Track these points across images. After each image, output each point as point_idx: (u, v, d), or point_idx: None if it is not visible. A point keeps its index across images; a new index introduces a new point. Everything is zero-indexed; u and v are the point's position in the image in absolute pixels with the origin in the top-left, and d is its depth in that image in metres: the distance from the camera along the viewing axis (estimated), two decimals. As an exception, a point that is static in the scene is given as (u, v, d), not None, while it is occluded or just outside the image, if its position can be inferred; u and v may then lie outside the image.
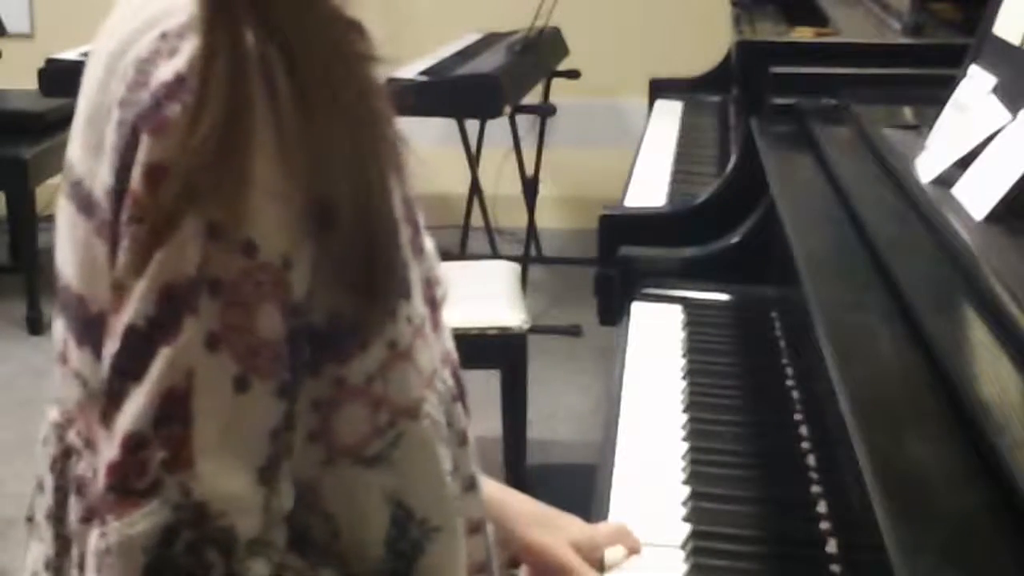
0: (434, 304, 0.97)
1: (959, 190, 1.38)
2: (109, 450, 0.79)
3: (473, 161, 4.32)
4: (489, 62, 3.99)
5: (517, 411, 2.81)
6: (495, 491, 1.18)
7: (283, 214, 0.79)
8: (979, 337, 1.16)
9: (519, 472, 2.80)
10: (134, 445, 0.78)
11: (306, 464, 0.86)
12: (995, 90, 1.46)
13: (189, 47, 0.80)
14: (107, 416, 0.80)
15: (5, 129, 4.02)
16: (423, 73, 3.90)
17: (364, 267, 0.84)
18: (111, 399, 0.80)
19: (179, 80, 0.80)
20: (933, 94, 1.62)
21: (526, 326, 2.73)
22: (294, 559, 0.85)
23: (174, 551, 0.77)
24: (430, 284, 0.96)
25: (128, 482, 0.78)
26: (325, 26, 0.84)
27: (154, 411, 0.78)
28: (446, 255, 3.93)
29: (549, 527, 1.20)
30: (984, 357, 1.13)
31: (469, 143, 4.30)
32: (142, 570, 0.77)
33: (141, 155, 0.80)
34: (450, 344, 1.00)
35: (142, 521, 0.77)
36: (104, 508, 0.79)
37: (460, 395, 0.99)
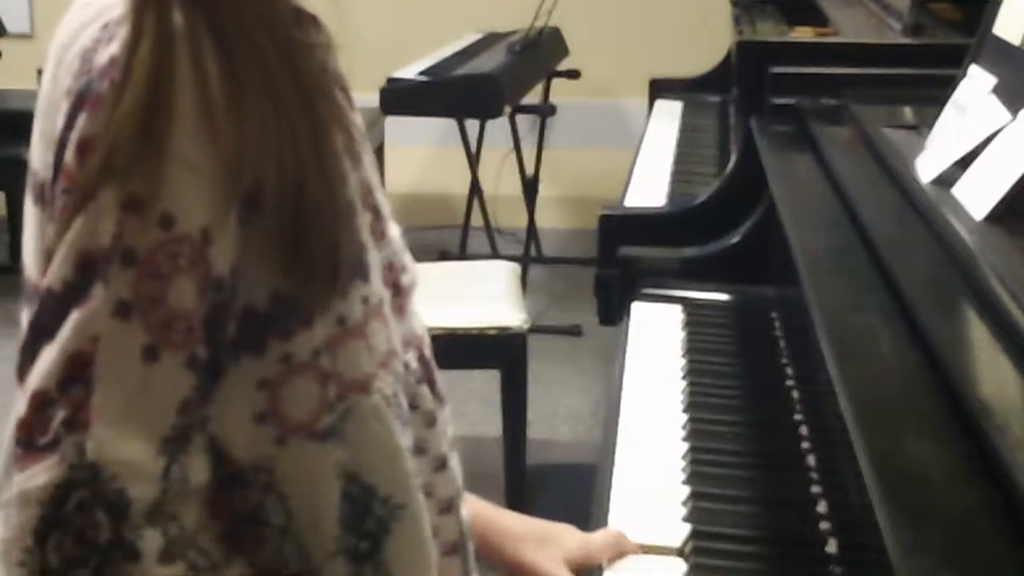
0: (398, 288, 0.98)
1: (959, 190, 1.38)
2: (21, 406, 0.82)
3: (473, 161, 4.32)
4: (489, 62, 3.99)
5: (517, 411, 2.80)
6: (486, 509, 1.19)
7: (204, 189, 0.81)
8: (979, 337, 1.16)
9: (519, 472, 2.79)
10: (40, 403, 0.81)
11: (259, 445, 0.88)
12: (995, 90, 1.46)
13: (124, 32, 0.83)
14: (22, 372, 0.83)
15: (5, 129, 4.02)
16: (423, 73, 3.91)
17: (299, 248, 0.85)
18: (26, 356, 0.83)
19: (112, 62, 0.83)
20: (933, 94, 1.62)
21: (526, 326, 2.73)
22: (205, 540, 0.86)
23: (67, 508, 0.80)
24: (393, 269, 0.98)
25: (32, 438, 0.81)
26: (262, 12, 0.86)
27: (60, 372, 0.81)
28: (446, 255, 3.94)
29: (542, 543, 1.20)
30: (984, 357, 1.13)
31: (469, 143, 4.30)
32: (36, 522, 0.80)
33: (74, 132, 0.83)
34: (420, 329, 1.02)
35: (40, 475, 0.80)
36: (12, 462, 0.82)
37: (427, 378, 1.00)
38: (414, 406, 0.97)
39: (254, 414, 0.87)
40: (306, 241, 0.86)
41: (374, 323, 0.92)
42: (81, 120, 0.83)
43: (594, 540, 1.24)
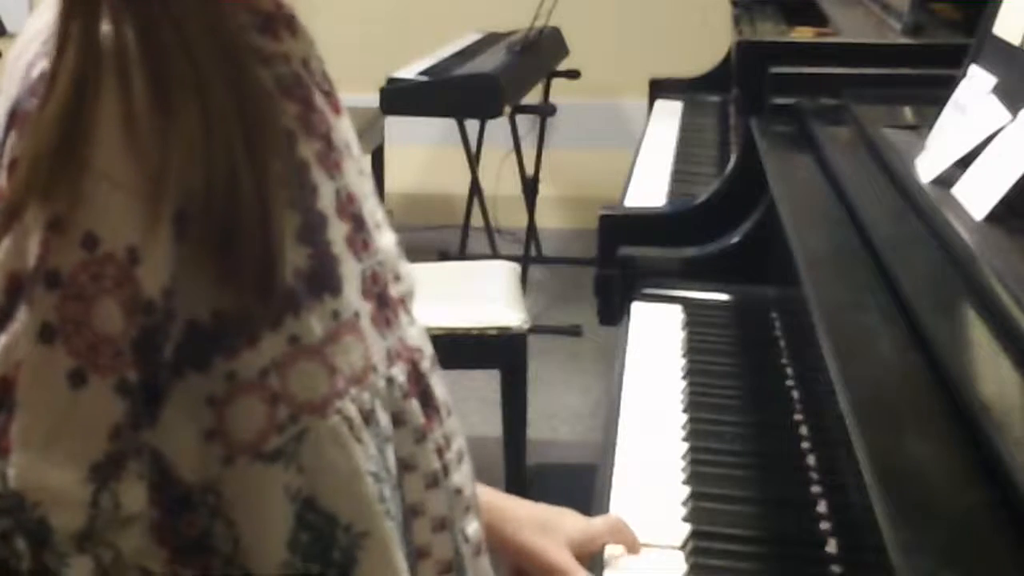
0: (384, 300, 0.95)
1: (959, 190, 1.38)
2: None
3: (473, 161, 4.32)
4: (489, 62, 3.99)
5: (517, 411, 2.81)
6: (489, 496, 1.17)
7: (130, 206, 0.79)
8: (979, 337, 1.16)
9: (519, 472, 2.79)
10: None
11: (206, 464, 0.86)
12: (995, 90, 1.46)
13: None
14: None
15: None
16: (423, 73, 3.91)
17: (229, 262, 0.83)
18: None
19: (41, 77, 0.81)
20: (933, 94, 1.62)
21: (526, 326, 2.73)
22: (154, 563, 0.84)
23: None
24: (377, 280, 0.95)
25: None
26: (205, 20, 0.83)
27: None
28: (446, 255, 3.94)
29: (544, 528, 1.19)
30: (984, 357, 1.13)
31: (469, 143, 4.30)
32: None
33: (6, 151, 0.82)
34: (415, 341, 0.99)
35: None
36: None
37: (419, 392, 0.97)
38: (400, 422, 0.94)
39: (202, 431, 0.85)
40: (237, 255, 0.83)
41: (347, 338, 0.89)
42: (11, 139, 0.82)
43: (595, 524, 1.23)
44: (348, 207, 0.92)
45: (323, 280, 0.89)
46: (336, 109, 0.94)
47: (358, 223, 0.93)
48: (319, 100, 0.92)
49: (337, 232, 0.90)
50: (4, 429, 0.79)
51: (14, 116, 0.82)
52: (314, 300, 0.88)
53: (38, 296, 0.79)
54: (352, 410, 0.90)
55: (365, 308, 0.92)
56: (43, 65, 0.82)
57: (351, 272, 0.91)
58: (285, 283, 0.86)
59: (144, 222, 0.80)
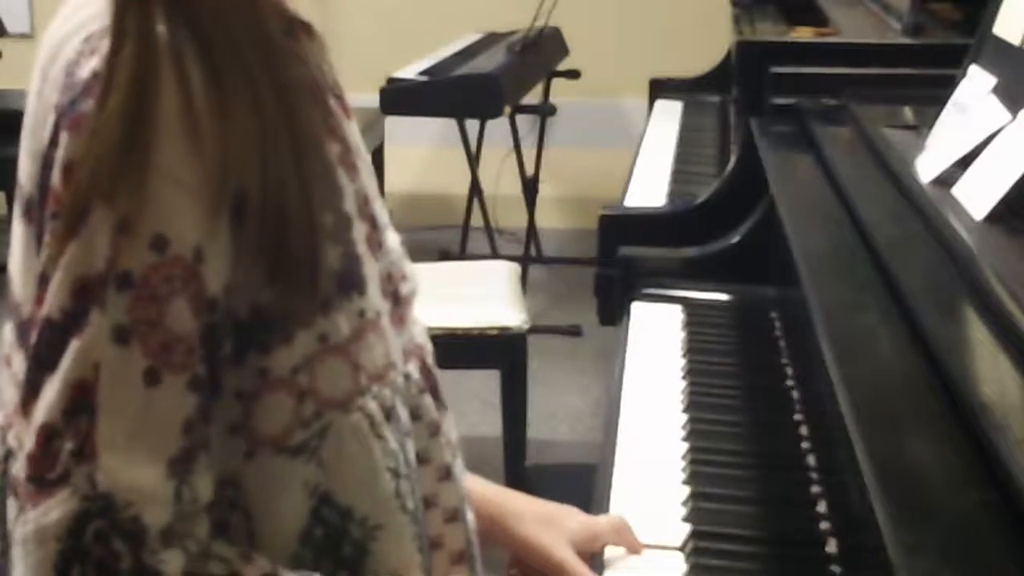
0: (397, 299, 0.97)
1: (959, 190, 1.38)
2: (28, 441, 0.81)
3: (473, 161, 4.32)
4: (489, 62, 3.99)
5: (517, 411, 2.80)
6: (493, 490, 1.19)
7: (194, 206, 0.80)
8: (979, 337, 1.15)
9: (519, 472, 2.79)
10: (47, 436, 0.80)
11: (228, 457, 0.87)
12: (995, 90, 1.46)
13: (106, 45, 0.82)
14: (26, 406, 0.82)
15: (5, 129, 4.02)
16: (423, 73, 3.91)
17: (279, 258, 0.84)
18: (30, 389, 0.82)
19: (95, 77, 0.81)
20: (933, 94, 1.62)
21: (526, 326, 2.73)
22: (222, 547, 0.85)
23: (85, 540, 0.79)
24: (392, 279, 0.97)
25: (42, 472, 0.80)
26: (246, 20, 0.84)
27: (64, 402, 0.80)
28: (446, 255, 3.94)
29: (547, 524, 1.20)
30: (984, 357, 1.13)
31: (469, 143, 4.30)
32: (55, 558, 0.79)
33: (60, 152, 0.81)
34: (420, 338, 1.01)
35: (54, 510, 0.79)
36: (24, 498, 0.81)
37: (429, 387, 0.99)
38: (416, 417, 0.97)
39: (227, 425, 0.86)
40: (287, 252, 0.84)
41: (370, 336, 0.91)
42: (66, 141, 0.81)
43: (598, 522, 1.23)
44: (365, 208, 0.94)
45: (351, 279, 0.90)
46: (347, 113, 0.95)
47: (373, 223, 0.95)
48: (333, 103, 0.93)
49: (359, 232, 0.92)
50: (88, 433, 0.79)
51: (63, 117, 0.82)
52: (343, 299, 0.89)
53: (110, 299, 0.79)
54: (373, 407, 0.91)
55: (384, 307, 0.94)
56: (93, 64, 0.82)
57: (372, 271, 0.93)
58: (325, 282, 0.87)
59: (206, 221, 0.80)
